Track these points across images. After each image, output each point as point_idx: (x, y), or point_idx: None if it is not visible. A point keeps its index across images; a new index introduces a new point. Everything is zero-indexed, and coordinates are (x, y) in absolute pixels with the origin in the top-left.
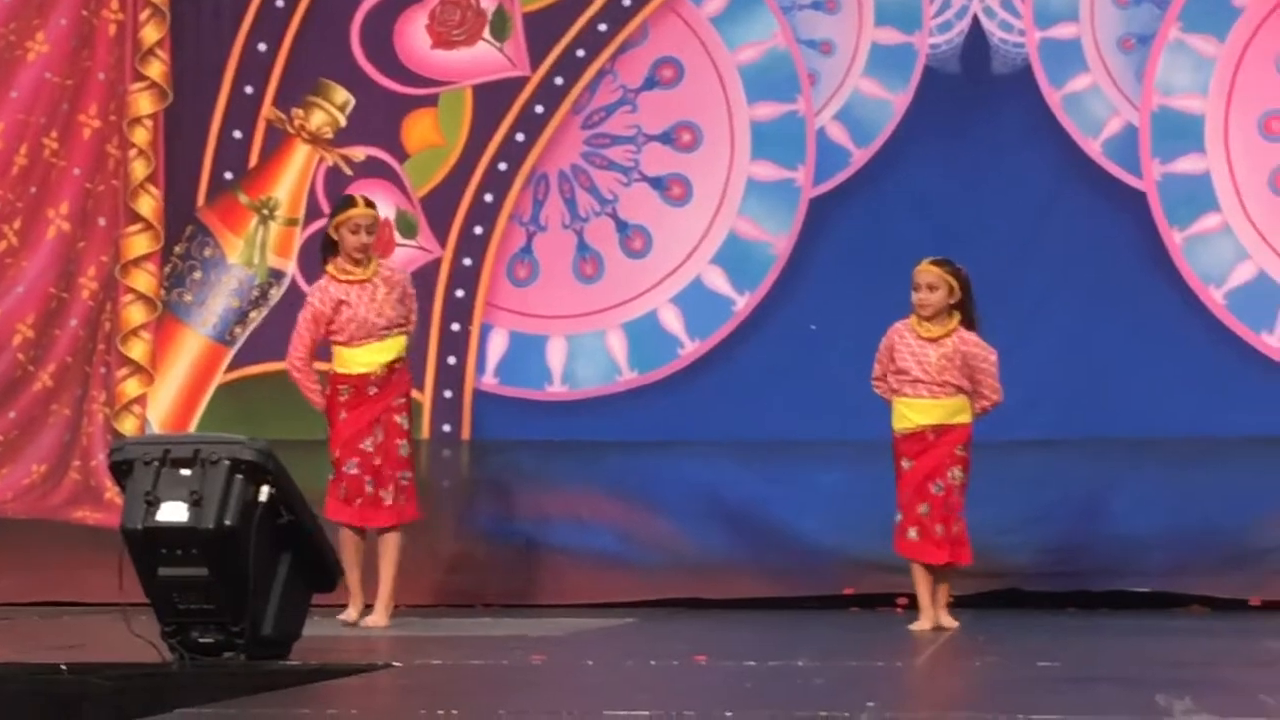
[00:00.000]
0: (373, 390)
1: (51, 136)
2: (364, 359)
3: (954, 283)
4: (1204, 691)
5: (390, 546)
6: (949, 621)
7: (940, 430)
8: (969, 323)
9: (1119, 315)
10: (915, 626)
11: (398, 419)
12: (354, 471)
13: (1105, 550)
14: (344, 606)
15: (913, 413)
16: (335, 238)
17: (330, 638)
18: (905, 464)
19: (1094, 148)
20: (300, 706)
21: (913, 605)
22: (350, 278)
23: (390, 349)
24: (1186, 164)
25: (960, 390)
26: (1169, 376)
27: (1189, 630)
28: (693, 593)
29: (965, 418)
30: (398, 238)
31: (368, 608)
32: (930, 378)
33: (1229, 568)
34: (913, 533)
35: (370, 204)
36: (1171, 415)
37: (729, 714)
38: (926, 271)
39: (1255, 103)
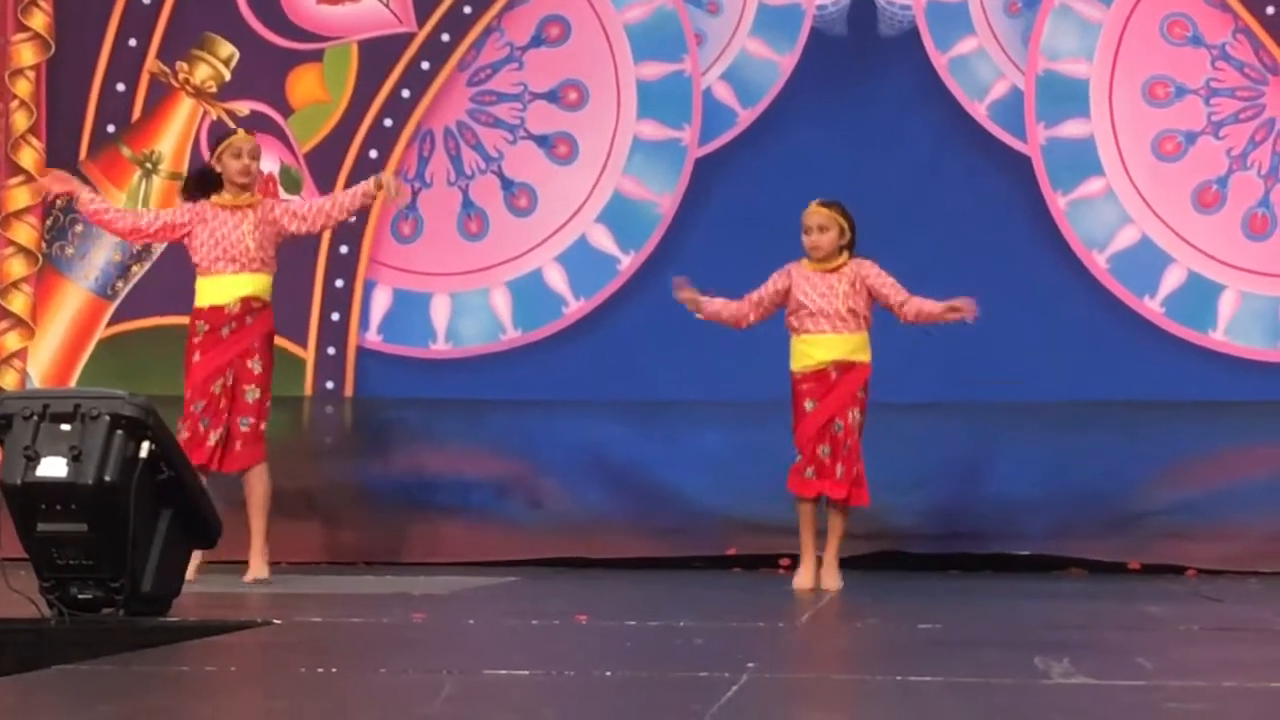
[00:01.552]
0: (226, 331)
1: None
2: (219, 289)
3: (843, 223)
4: (1082, 654)
5: (254, 494)
6: (833, 583)
7: (842, 368)
8: None
9: (1002, 278)
10: (797, 583)
11: (249, 363)
12: (196, 412)
13: (987, 513)
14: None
15: (814, 349)
16: (219, 169)
17: (210, 594)
18: (808, 405)
19: (979, 111)
20: (179, 663)
21: (796, 565)
22: (223, 203)
23: (248, 283)
24: (1071, 128)
25: (862, 325)
26: (1052, 340)
27: (1069, 593)
28: (575, 552)
29: (865, 356)
30: (282, 193)
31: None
32: (834, 309)
33: (1109, 531)
34: (809, 472)
35: (252, 133)
36: (1054, 379)
37: (609, 673)
38: (816, 213)
39: (1140, 68)
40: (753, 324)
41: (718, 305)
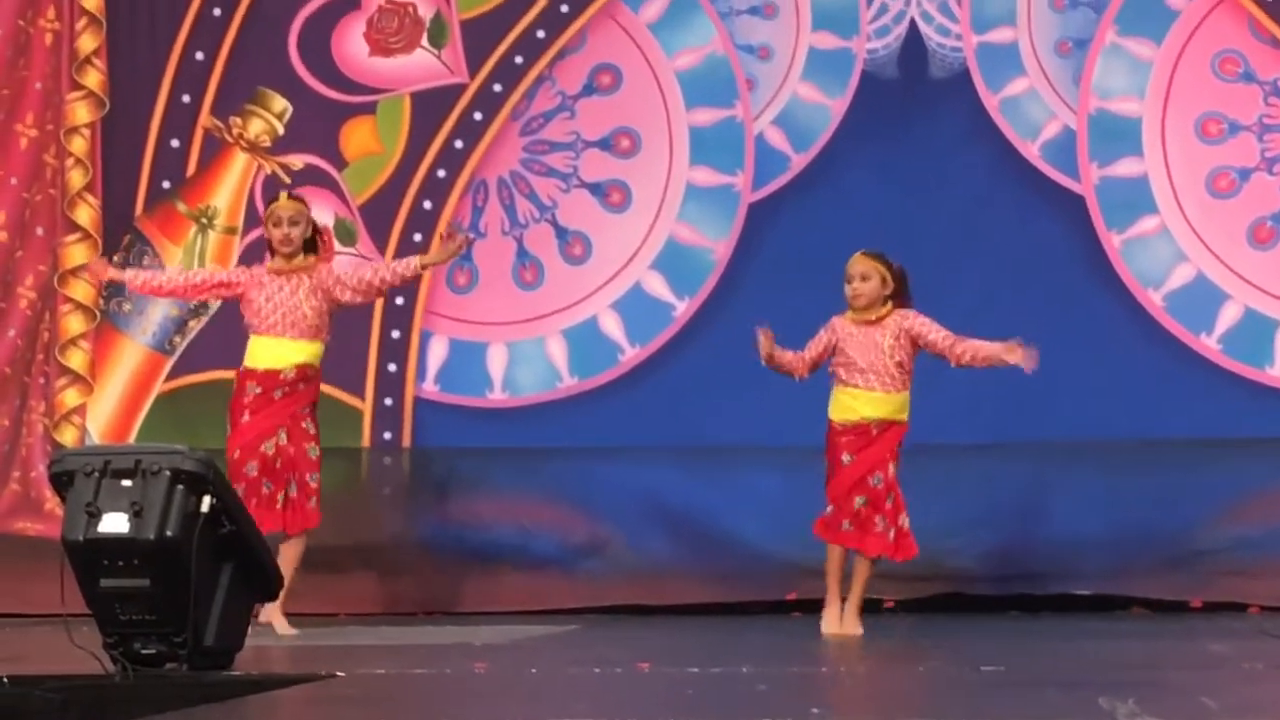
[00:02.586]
0: (279, 394)
1: None
2: (276, 353)
3: (886, 273)
4: (1148, 694)
5: (292, 549)
6: (855, 628)
7: (883, 425)
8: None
9: (1058, 318)
10: (826, 628)
11: (304, 424)
12: (253, 474)
13: (1046, 553)
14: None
15: (859, 404)
16: (269, 236)
17: (273, 648)
18: (845, 458)
19: (1032, 151)
20: (244, 717)
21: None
22: (275, 268)
23: (304, 351)
24: (1124, 167)
25: (906, 382)
26: (1109, 379)
27: (1131, 633)
28: (635, 599)
29: (905, 415)
30: (337, 245)
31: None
32: (882, 364)
33: (1170, 570)
34: (847, 524)
35: (296, 198)
36: (1111, 418)
37: None
38: (858, 262)
39: (1192, 105)
40: (803, 379)
41: (782, 356)
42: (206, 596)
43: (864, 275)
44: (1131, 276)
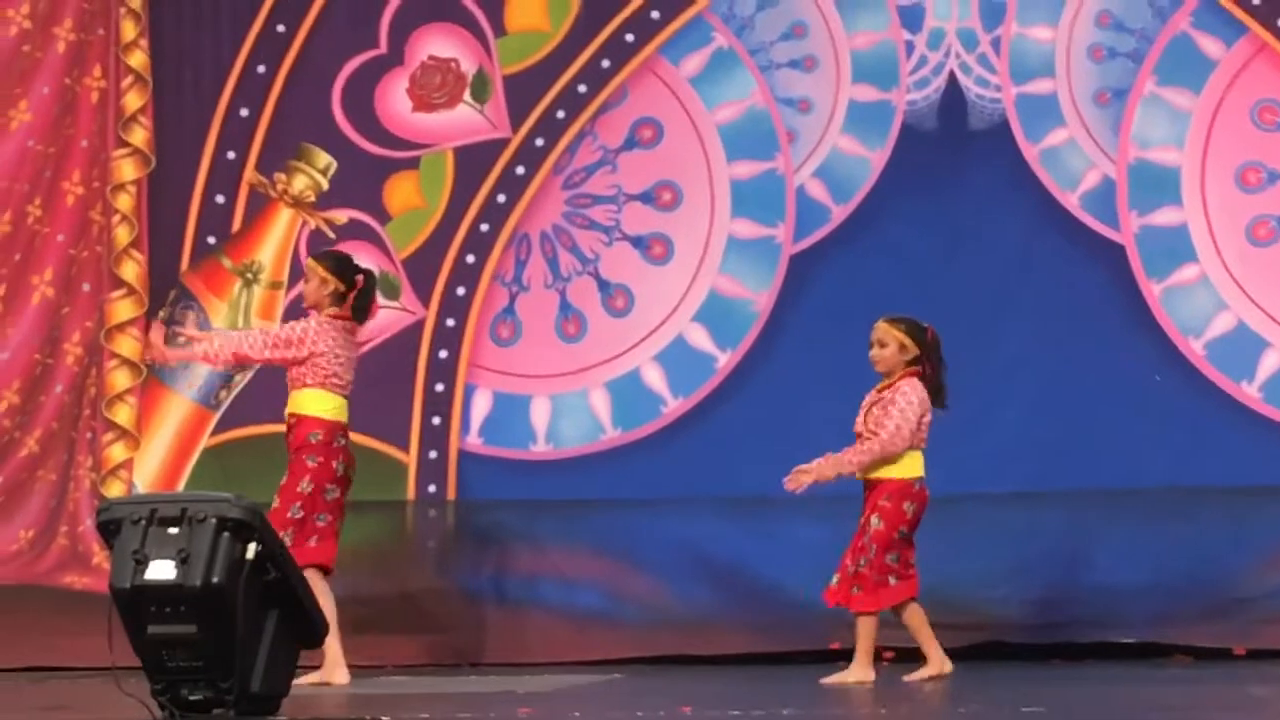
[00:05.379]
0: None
1: (35, 204)
2: None
3: (905, 340)
4: None
5: None
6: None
7: (869, 485)
8: (932, 384)
9: (1099, 367)
10: (834, 679)
11: (285, 477)
12: None
13: (1088, 601)
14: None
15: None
16: None
17: (318, 694)
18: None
19: (1071, 201)
20: None
21: (900, 658)
22: None
23: (289, 403)
24: (1164, 216)
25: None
26: (1149, 427)
27: (1174, 679)
28: (678, 649)
29: (890, 473)
30: (381, 299)
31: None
32: (865, 430)
33: (1212, 617)
34: (854, 589)
35: (314, 256)
36: (1152, 466)
37: None
38: (875, 329)
39: (1231, 154)
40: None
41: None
42: (253, 643)
43: (880, 342)
44: (1172, 325)
